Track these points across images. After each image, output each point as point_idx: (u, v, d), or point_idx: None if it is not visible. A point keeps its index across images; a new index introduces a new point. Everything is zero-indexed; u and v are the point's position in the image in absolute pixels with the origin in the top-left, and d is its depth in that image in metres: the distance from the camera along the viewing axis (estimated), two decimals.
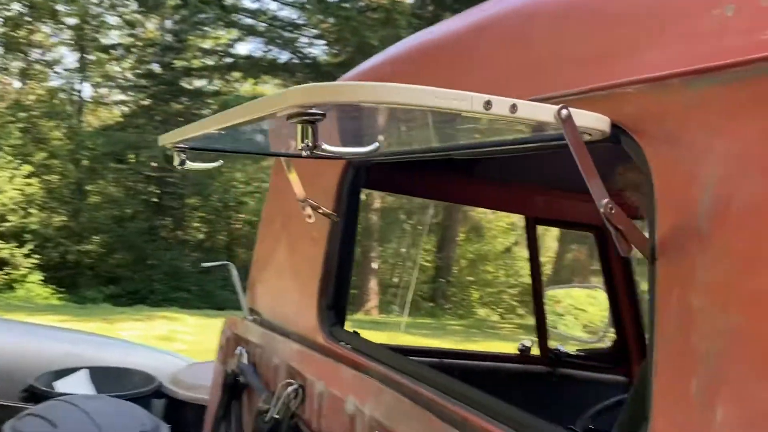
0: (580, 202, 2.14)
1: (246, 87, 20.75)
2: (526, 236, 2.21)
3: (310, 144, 0.67)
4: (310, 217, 1.42)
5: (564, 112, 0.69)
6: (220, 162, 1.33)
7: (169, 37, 18.78)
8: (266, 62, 17.77)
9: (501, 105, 0.66)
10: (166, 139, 1.20)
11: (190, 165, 1.22)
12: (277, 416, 1.39)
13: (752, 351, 0.60)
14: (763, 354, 0.59)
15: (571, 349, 2.28)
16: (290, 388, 1.40)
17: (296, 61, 18.58)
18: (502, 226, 18.74)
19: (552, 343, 2.27)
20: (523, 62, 0.95)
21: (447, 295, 16.76)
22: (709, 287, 0.65)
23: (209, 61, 18.73)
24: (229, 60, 17.98)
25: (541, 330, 2.22)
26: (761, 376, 0.59)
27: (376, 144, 0.70)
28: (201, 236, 23.10)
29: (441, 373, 1.09)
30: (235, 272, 1.87)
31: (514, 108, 0.66)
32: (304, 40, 19.16)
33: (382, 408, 1.10)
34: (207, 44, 19.00)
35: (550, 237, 18.07)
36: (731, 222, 0.63)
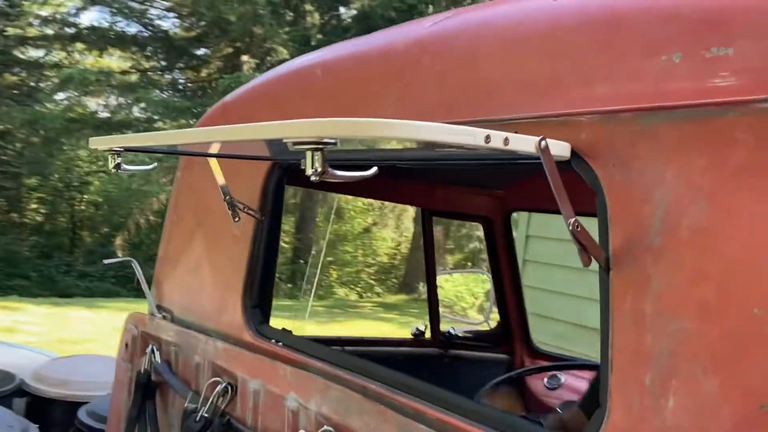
0: (471, 195, 2.29)
1: (90, 60, 19.48)
2: (422, 227, 2.32)
3: (320, 170, 0.71)
4: (236, 216, 1.43)
5: (543, 143, 0.77)
6: (155, 164, 1.31)
7: (0, 2, 17.19)
8: (113, 34, 16.76)
9: (497, 138, 0.73)
10: (102, 143, 1.17)
11: (126, 168, 1.20)
12: (206, 415, 1.41)
13: (699, 350, 0.72)
14: (709, 352, 0.72)
15: (460, 331, 2.43)
16: (219, 387, 1.42)
17: (146, 33, 17.68)
18: (360, 207, 19.03)
19: (443, 327, 2.41)
20: (470, 83, 1.03)
21: (306, 277, 16.81)
22: (661, 295, 0.76)
23: (48, 30, 17.37)
24: (71, 30, 16.77)
25: (433, 314, 2.35)
26: (707, 371, 0.71)
27: (375, 168, 0.75)
28: (40, 219, 21.52)
29: (387, 368, 1.16)
30: (138, 269, 1.83)
31: (506, 141, 0.74)
32: (155, 12, 18.25)
33: (331, 403, 1.16)
34: (45, 11, 17.61)
35: (407, 218, 18.58)
36: (681, 239, 0.75)
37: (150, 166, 1.36)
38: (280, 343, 1.38)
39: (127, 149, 1.19)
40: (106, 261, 1.95)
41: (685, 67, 0.77)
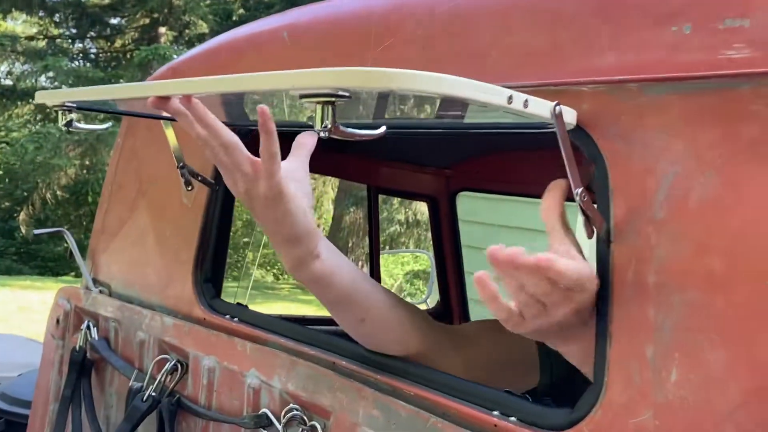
0: (417, 173, 2.26)
1: None
2: (368, 205, 2.29)
3: (329, 125, 0.66)
4: (189, 185, 1.35)
5: (557, 108, 0.75)
6: (110, 124, 1.21)
7: None
8: None
9: (518, 100, 0.70)
10: (52, 97, 1.07)
11: (78, 126, 1.10)
12: (154, 394, 1.33)
13: (706, 322, 0.72)
14: (716, 325, 0.71)
15: None
16: (168, 365, 1.34)
17: None
18: None
19: None
20: (458, 50, 1.00)
21: None
22: (665, 266, 0.75)
23: None
24: None
25: None
26: (714, 344, 0.71)
27: (384, 128, 0.71)
28: None
29: (352, 342, 1.12)
30: (72, 239, 1.71)
31: (526, 103, 0.71)
32: None
33: (298, 380, 1.11)
34: None
35: (326, 200, 18.49)
36: (687, 212, 0.75)
37: (104, 126, 1.26)
38: (236, 319, 1.31)
39: (80, 108, 1.09)
40: (36, 231, 1.82)
41: (697, 38, 0.76)
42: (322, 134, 0.67)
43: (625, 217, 0.80)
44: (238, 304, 1.40)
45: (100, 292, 1.66)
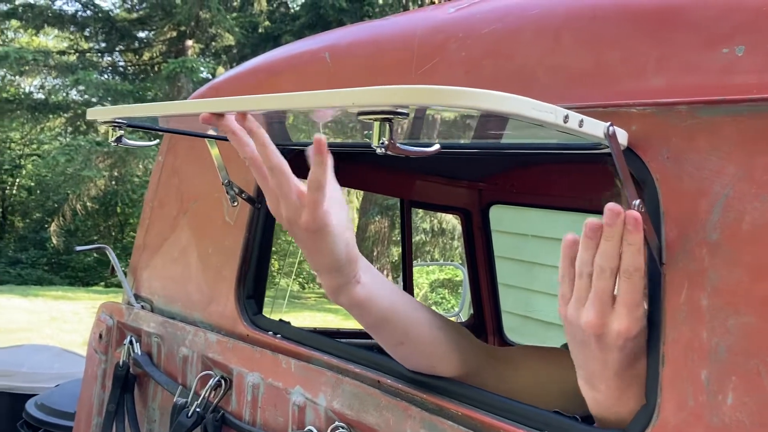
0: (450, 186, 2.27)
1: (24, 39, 18.72)
2: (401, 218, 2.30)
3: (386, 142, 0.67)
4: (235, 201, 1.37)
5: (611, 129, 0.75)
6: (158, 141, 1.25)
7: None
8: (51, 13, 16.11)
9: (574, 119, 0.71)
10: (103, 114, 1.10)
11: (127, 142, 1.13)
12: (198, 410, 1.34)
13: (762, 346, 0.72)
14: None
15: None
16: (212, 381, 1.36)
17: (85, 13, 17.06)
18: None
19: None
20: (504, 72, 1.01)
21: None
22: (720, 290, 0.75)
23: None
24: (5, 6, 16.03)
25: None
26: None
27: (438, 145, 0.72)
28: None
29: (396, 362, 1.13)
30: (114, 256, 1.74)
31: (581, 123, 0.72)
32: None
33: (343, 398, 1.12)
34: None
35: (351, 209, 18.53)
36: (741, 234, 0.74)
37: (152, 143, 1.29)
38: (279, 335, 1.33)
39: (130, 125, 1.12)
40: (78, 248, 1.85)
41: (749, 60, 0.76)
42: (379, 151, 0.68)
43: (677, 239, 0.80)
44: (281, 320, 1.41)
45: (142, 307, 1.69)
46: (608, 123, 0.76)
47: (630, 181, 0.78)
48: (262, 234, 1.42)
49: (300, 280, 18.33)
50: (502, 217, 5.07)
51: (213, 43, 16.57)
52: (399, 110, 0.66)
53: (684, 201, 0.80)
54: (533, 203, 2.43)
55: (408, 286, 2.37)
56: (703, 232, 0.78)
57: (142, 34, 17.64)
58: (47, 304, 10.29)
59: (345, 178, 2.13)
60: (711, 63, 0.79)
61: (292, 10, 16.64)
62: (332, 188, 0.95)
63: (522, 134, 0.91)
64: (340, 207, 0.97)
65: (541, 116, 0.70)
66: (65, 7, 16.66)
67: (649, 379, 0.81)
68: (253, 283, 1.43)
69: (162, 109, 1.10)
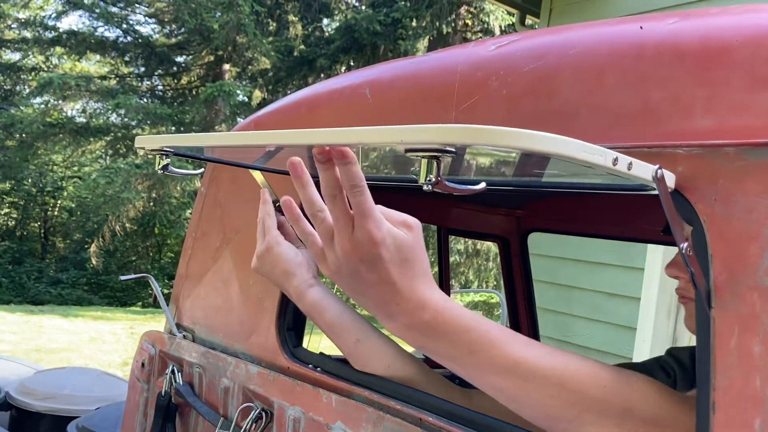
0: (488, 214, 2.26)
1: (67, 64, 19.25)
2: (437, 245, 2.30)
3: (434, 180, 0.68)
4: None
5: (659, 172, 0.75)
6: (202, 170, 1.28)
7: None
8: (94, 39, 16.56)
9: (623, 162, 0.71)
10: (151, 143, 1.13)
11: (174, 171, 1.16)
12: None
13: None
14: None
15: None
16: (253, 413, 1.37)
17: (126, 39, 17.52)
18: None
19: None
20: (545, 111, 1.01)
21: None
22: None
23: (27, 34, 17.10)
24: (50, 34, 16.53)
25: None
26: None
27: (484, 183, 0.72)
28: (11, 224, 21.16)
29: (439, 399, 1.13)
30: (156, 285, 1.77)
31: (630, 166, 0.72)
32: (135, 17, 18.09)
33: None
34: (25, 14, 17.34)
35: None
36: None
37: (197, 171, 1.32)
38: (319, 369, 1.33)
39: (177, 154, 1.15)
40: (122, 277, 1.89)
41: None
42: (426, 188, 0.69)
43: (727, 283, 0.78)
44: (321, 353, 1.42)
45: (184, 337, 1.71)
46: (656, 166, 0.75)
47: (678, 223, 0.77)
48: None
49: None
50: (540, 241, 5.04)
51: (249, 67, 16.84)
52: (447, 148, 0.67)
53: (733, 244, 0.78)
54: (572, 231, 2.41)
55: None
56: (754, 275, 0.76)
57: (180, 59, 18.02)
58: (87, 324, 10.47)
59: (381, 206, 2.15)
60: (758, 104, 0.78)
61: (327, 34, 16.86)
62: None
63: (565, 172, 0.91)
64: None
65: (590, 158, 0.70)
66: (107, 34, 17.12)
67: (699, 427, 0.80)
68: (293, 315, 1.44)
69: (208, 140, 1.13)
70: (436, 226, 2.29)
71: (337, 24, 16.61)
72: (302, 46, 16.31)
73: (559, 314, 5.16)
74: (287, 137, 0.88)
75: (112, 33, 17.11)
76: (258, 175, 1.32)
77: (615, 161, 0.71)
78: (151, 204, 16.43)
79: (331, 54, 15.28)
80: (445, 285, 2.37)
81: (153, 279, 1.77)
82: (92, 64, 19.42)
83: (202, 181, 1.80)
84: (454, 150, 0.68)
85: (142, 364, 1.77)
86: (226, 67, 16.83)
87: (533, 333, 2.35)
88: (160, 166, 1.16)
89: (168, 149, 1.14)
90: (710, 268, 0.80)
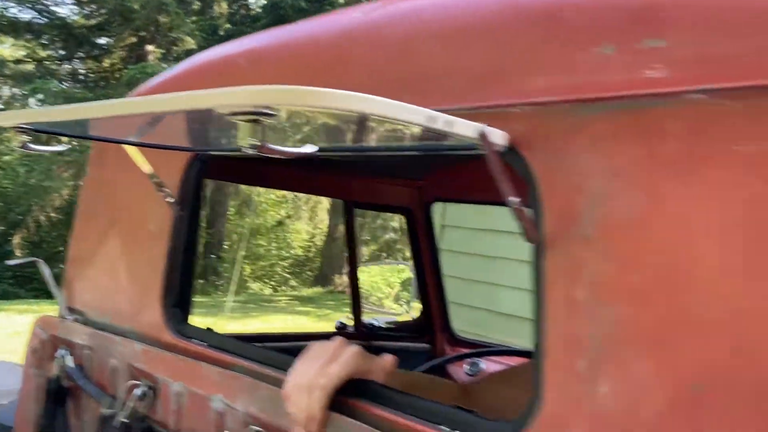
0: (391, 186, 2.28)
1: None
2: (344, 220, 2.31)
3: (257, 143, 0.68)
4: (167, 196, 1.37)
5: (482, 130, 0.77)
6: (68, 146, 1.24)
7: None
8: (6, 21, 15.81)
9: (441, 120, 0.73)
10: (7, 119, 1.09)
11: (33, 147, 1.13)
12: (125, 420, 1.34)
13: (632, 335, 0.74)
14: (642, 337, 0.74)
15: (382, 322, 2.43)
16: (138, 390, 1.36)
17: (42, 21, 16.78)
18: (273, 200, 18.79)
19: (366, 318, 2.40)
20: (404, 75, 1.02)
21: (219, 272, 16.49)
22: (594, 282, 0.78)
23: None
24: None
25: (356, 306, 2.34)
26: (640, 355, 0.73)
27: (313, 147, 0.73)
28: None
29: None
30: (47, 269, 1.72)
31: (450, 124, 0.74)
32: None
33: (260, 403, 1.12)
34: None
35: (321, 210, 18.48)
36: (614, 229, 0.77)
37: (62, 147, 1.28)
38: (205, 343, 1.33)
39: (37, 130, 1.11)
40: (9, 262, 1.83)
41: (619, 58, 0.78)
42: (250, 151, 0.69)
43: (556, 234, 0.82)
44: (208, 329, 1.42)
45: (75, 320, 1.68)
46: (480, 124, 0.77)
47: (504, 180, 0.80)
48: (185, 241, 1.42)
49: (272, 283, 18.24)
50: (464, 214, 5.12)
51: (173, 48, 16.40)
52: (266, 111, 0.67)
53: (562, 198, 0.82)
54: (475, 200, 2.45)
55: (354, 289, 2.38)
56: (579, 228, 0.80)
57: (101, 41, 17.40)
58: (10, 319, 10.10)
59: (285, 181, 2.15)
60: (584, 62, 0.81)
61: (253, 12, 16.55)
62: None
63: (409, 134, 0.92)
64: None
65: (410, 118, 0.72)
66: (20, 15, 16.36)
67: (534, 372, 0.83)
68: (178, 292, 1.43)
69: (65, 114, 1.10)
70: (342, 200, 2.29)
71: (263, 2, 16.32)
72: (228, 25, 15.97)
73: (487, 285, 5.26)
74: (119, 107, 0.86)
75: (26, 14, 16.38)
76: (131, 149, 1.30)
77: (433, 120, 0.72)
78: (78, 192, 15.91)
79: (257, 32, 15.00)
80: (353, 259, 2.39)
81: (43, 263, 1.73)
82: (6, 48, 18.57)
83: (89, 162, 1.75)
84: (273, 113, 0.68)
85: (34, 350, 1.73)
86: (150, 48, 16.34)
87: (441, 302, 2.40)
88: (19, 145, 1.13)
89: (26, 126, 1.11)
90: (542, 222, 0.83)
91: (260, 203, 18.62)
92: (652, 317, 0.73)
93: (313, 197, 15.99)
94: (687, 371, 0.71)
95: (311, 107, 0.65)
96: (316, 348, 1.05)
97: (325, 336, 2.28)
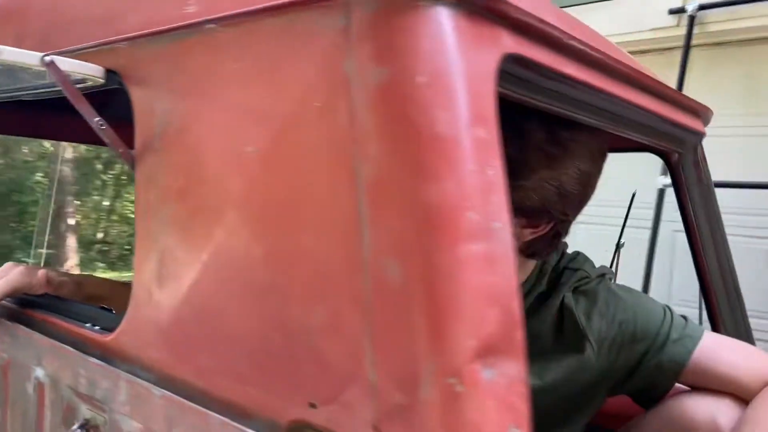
0: None
1: None
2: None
3: None
4: None
5: (47, 58, 0.91)
6: None
7: None
8: None
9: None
10: None
11: None
12: None
13: (183, 231, 0.90)
14: (181, 227, 0.89)
15: None
16: None
17: None
18: None
19: None
20: (56, 21, 1.16)
21: None
22: (159, 186, 0.93)
23: None
24: None
25: None
26: (184, 248, 0.89)
27: None
28: None
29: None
30: None
31: (9, 53, 0.87)
32: None
33: None
34: None
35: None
36: (169, 142, 0.92)
37: None
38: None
39: None
40: None
41: None
42: None
43: (142, 150, 0.97)
44: None
45: None
46: (45, 53, 0.91)
47: (83, 101, 0.94)
48: None
49: None
50: None
51: None
52: None
53: (144, 118, 0.96)
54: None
55: None
56: (154, 142, 0.95)
57: None
58: None
59: (66, 133, 2.18)
60: (160, 2, 0.95)
61: None
62: None
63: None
64: None
65: None
66: None
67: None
68: None
69: None
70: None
71: None
72: None
73: None
74: None
75: None
76: None
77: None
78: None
79: None
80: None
81: None
82: None
83: None
84: None
85: None
86: None
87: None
88: None
89: None
90: (135, 138, 0.98)
91: None
92: (190, 209, 0.89)
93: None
94: (211, 257, 0.86)
95: None
96: None
97: None
